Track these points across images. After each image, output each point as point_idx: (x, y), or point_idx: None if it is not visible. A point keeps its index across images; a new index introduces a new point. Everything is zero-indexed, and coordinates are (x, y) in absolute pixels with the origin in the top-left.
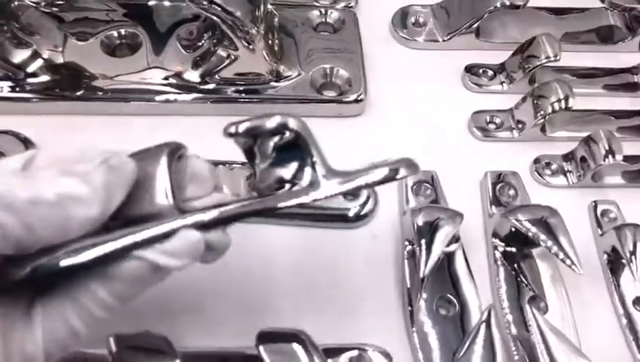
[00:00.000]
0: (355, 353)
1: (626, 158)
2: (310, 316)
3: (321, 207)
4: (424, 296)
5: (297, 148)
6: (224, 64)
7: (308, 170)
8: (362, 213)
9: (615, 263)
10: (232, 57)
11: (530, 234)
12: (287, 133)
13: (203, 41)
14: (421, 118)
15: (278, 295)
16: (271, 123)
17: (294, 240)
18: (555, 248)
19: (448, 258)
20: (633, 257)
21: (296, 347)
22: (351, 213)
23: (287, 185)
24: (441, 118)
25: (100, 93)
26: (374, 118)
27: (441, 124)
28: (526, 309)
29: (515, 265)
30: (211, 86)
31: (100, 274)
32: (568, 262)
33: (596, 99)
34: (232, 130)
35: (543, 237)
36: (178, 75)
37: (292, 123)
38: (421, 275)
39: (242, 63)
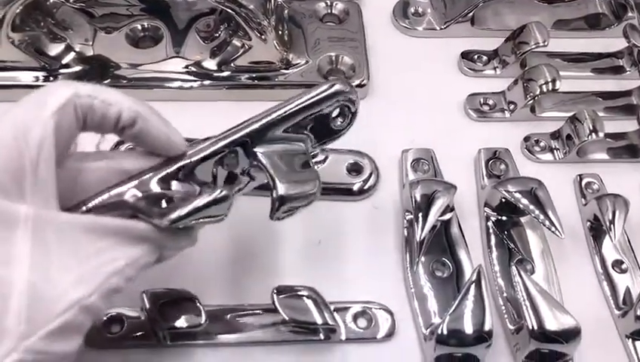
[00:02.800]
0: (359, 308)
1: (611, 136)
2: (319, 278)
3: (326, 183)
4: (422, 259)
5: None
6: (239, 53)
7: None
8: (365, 188)
9: (597, 230)
10: (246, 47)
11: (518, 203)
12: None
13: (220, 32)
14: (420, 100)
15: (290, 260)
16: None
17: (302, 212)
18: (540, 216)
19: (444, 226)
20: (612, 225)
21: (307, 301)
22: (355, 188)
23: None
24: (438, 100)
25: (125, 82)
26: (377, 101)
27: (439, 106)
28: (513, 270)
29: (506, 232)
30: (226, 73)
31: None
32: (552, 228)
33: (585, 82)
34: None
35: (529, 206)
36: (197, 63)
37: None
38: (418, 239)
39: (255, 52)
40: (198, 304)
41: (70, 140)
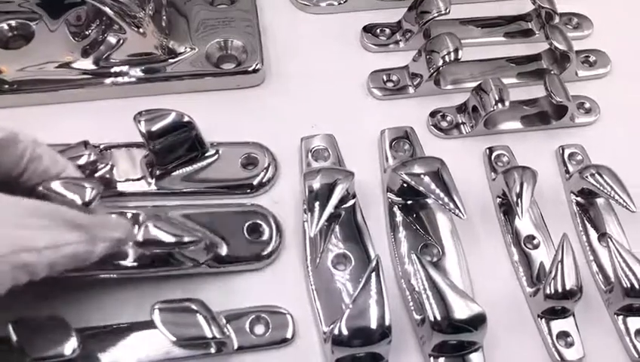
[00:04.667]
0: (253, 315)
1: (525, 103)
2: (210, 286)
3: (219, 179)
4: (322, 254)
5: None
6: (114, 48)
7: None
8: (263, 181)
9: (507, 205)
10: (122, 40)
11: (417, 186)
12: None
13: (91, 30)
14: (321, 82)
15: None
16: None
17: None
18: (440, 197)
19: (347, 216)
20: (519, 199)
21: (193, 314)
22: (255, 182)
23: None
24: (340, 81)
25: (6, 86)
26: (275, 86)
27: (341, 87)
28: (412, 258)
29: (414, 216)
30: (107, 70)
31: None
32: (453, 209)
33: (498, 48)
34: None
35: (429, 188)
36: (67, 64)
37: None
38: (312, 233)
39: (131, 44)
40: (67, 328)
41: None
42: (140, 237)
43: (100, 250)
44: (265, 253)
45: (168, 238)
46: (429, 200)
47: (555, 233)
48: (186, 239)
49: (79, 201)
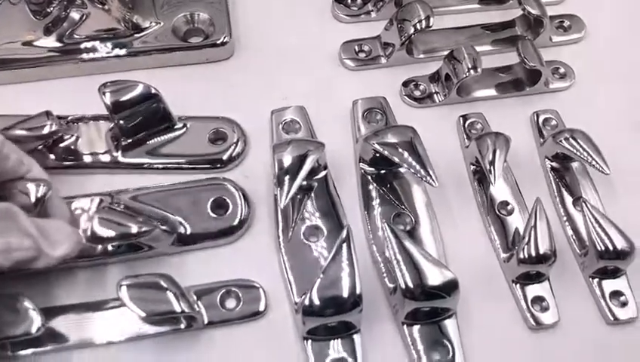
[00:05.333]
0: (224, 289)
1: (500, 70)
2: (182, 262)
3: (187, 155)
4: (294, 226)
5: None
6: (77, 25)
7: None
8: (233, 156)
9: (481, 173)
10: (84, 16)
11: (388, 155)
12: None
13: (52, 7)
14: (292, 54)
15: None
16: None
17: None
18: (412, 166)
19: (320, 188)
20: (492, 166)
21: (160, 289)
22: (224, 157)
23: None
24: (312, 52)
25: None
26: (245, 59)
27: (313, 59)
28: (384, 227)
29: (388, 185)
30: (72, 47)
31: None
32: (425, 177)
33: (473, 15)
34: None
35: (400, 156)
36: (30, 42)
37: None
38: (282, 205)
39: (94, 20)
40: (32, 307)
41: None
42: (88, 233)
43: (46, 262)
44: (231, 227)
45: (115, 232)
46: (402, 170)
47: (530, 199)
48: (134, 230)
49: (31, 199)
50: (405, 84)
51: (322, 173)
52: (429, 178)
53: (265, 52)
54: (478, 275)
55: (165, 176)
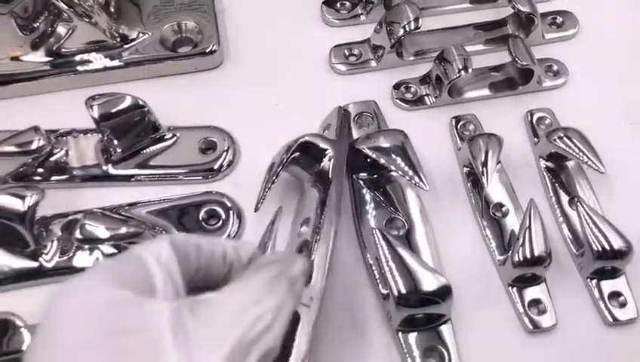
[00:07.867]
0: None
1: (493, 69)
2: None
3: (178, 165)
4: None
5: None
6: (64, 39)
7: None
8: (223, 165)
9: (474, 175)
10: (71, 30)
11: (377, 160)
12: None
13: (39, 22)
14: (282, 60)
15: None
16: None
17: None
18: (401, 168)
19: None
20: (485, 167)
21: None
22: (215, 166)
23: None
24: (302, 57)
25: None
26: (234, 67)
27: (303, 64)
28: (375, 233)
29: (379, 190)
30: (61, 61)
31: None
32: (414, 180)
33: (464, 15)
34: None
35: (389, 161)
36: (17, 58)
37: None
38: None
39: (81, 33)
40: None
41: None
42: (77, 235)
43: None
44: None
45: (105, 234)
46: (394, 174)
47: (525, 199)
48: (123, 231)
49: (20, 209)
50: (396, 86)
51: None
52: (419, 182)
53: (254, 59)
54: (474, 279)
55: (156, 188)
